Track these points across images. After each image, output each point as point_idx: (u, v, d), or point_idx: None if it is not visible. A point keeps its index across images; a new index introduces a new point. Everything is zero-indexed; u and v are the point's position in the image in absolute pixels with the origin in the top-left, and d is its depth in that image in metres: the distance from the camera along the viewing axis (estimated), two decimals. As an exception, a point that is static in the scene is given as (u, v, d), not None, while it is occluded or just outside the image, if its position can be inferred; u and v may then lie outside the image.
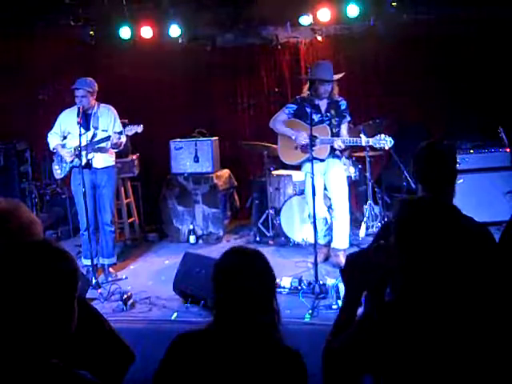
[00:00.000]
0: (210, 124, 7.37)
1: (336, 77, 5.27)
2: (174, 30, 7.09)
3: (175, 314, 4.27)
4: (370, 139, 5.06)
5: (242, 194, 7.36)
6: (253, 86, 7.82)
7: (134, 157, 6.75)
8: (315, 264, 4.62)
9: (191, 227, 6.58)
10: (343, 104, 5.39)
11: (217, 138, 6.94)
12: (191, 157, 6.69)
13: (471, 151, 6.32)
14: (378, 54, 7.13)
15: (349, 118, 5.45)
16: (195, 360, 1.88)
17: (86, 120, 5.25)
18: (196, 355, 1.89)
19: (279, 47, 7.62)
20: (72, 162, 5.28)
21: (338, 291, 4.34)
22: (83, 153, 5.10)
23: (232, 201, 7.20)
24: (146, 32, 7.15)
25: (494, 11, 6.56)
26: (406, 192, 6.23)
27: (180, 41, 7.28)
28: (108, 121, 5.33)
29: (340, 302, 4.25)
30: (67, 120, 5.33)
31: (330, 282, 4.55)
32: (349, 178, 5.90)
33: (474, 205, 5.42)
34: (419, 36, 7.03)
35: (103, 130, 5.26)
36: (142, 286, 5.00)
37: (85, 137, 5.15)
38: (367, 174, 6.25)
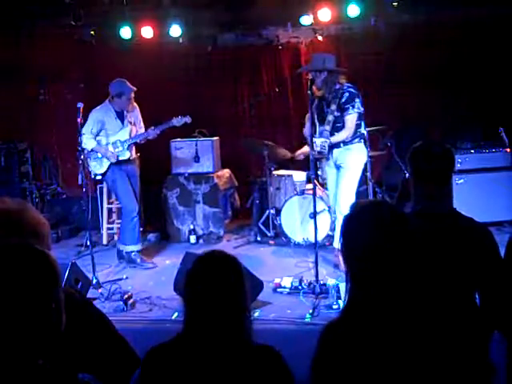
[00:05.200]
0: (210, 124, 7.37)
1: (311, 67, 5.18)
2: (175, 30, 7.09)
3: (176, 314, 4.26)
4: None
5: (242, 193, 7.36)
6: (253, 85, 7.82)
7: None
8: (316, 264, 4.61)
9: (192, 227, 6.58)
10: (345, 96, 5.05)
11: (217, 137, 6.94)
12: (192, 157, 6.69)
13: (471, 151, 6.32)
14: (379, 53, 7.13)
15: (351, 111, 5.03)
16: (170, 373, 1.83)
17: (120, 117, 5.67)
18: (170, 368, 1.84)
19: (280, 47, 7.62)
20: (118, 156, 5.63)
21: (338, 291, 4.33)
22: (125, 145, 5.64)
23: (232, 201, 7.20)
24: (147, 32, 7.15)
25: (494, 11, 6.56)
26: (406, 192, 6.22)
27: (181, 41, 7.28)
28: (135, 115, 5.80)
29: (340, 302, 4.26)
30: (103, 118, 5.62)
31: (330, 281, 4.55)
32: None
33: (475, 205, 5.41)
34: (419, 36, 7.03)
35: (131, 124, 5.71)
36: (142, 286, 4.99)
37: (125, 132, 5.63)
38: (368, 174, 6.25)
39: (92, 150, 5.63)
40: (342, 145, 5.16)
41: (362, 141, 5.24)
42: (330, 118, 5.09)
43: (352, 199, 5.18)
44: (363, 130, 5.24)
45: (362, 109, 5.15)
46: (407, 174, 6.19)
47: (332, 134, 5.08)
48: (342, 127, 5.09)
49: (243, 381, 1.82)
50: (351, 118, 5.08)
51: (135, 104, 5.81)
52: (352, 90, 5.09)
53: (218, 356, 1.82)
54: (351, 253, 1.76)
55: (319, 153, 5.11)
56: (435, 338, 1.67)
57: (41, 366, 1.47)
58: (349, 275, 1.76)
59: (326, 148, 5.03)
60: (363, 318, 1.67)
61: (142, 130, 5.79)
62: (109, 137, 5.64)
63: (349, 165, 5.20)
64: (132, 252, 5.66)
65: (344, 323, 1.72)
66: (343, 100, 5.06)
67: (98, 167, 5.68)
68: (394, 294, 1.67)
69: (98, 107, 5.71)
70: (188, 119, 5.57)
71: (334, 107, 5.08)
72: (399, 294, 1.68)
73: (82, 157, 5.44)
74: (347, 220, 1.80)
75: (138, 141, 5.69)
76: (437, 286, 2.10)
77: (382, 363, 1.62)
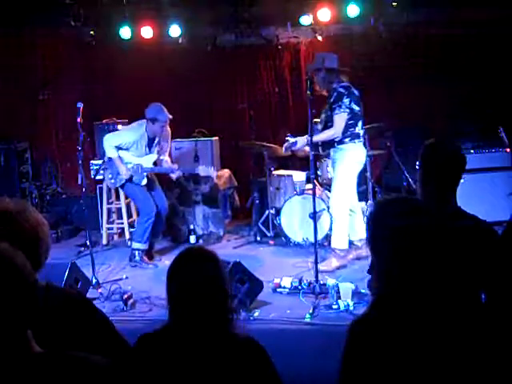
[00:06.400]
0: (210, 124, 7.37)
1: (311, 67, 5.41)
2: (175, 30, 7.10)
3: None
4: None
5: (242, 193, 7.36)
6: (253, 85, 7.83)
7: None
8: (315, 264, 4.61)
9: (191, 227, 6.58)
10: (333, 95, 5.12)
11: (217, 137, 6.94)
12: (191, 157, 6.69)
13: (471, 151, 6.31)
14: (378, 53, 7.14)
15: (338, 111, 5.06)
16: (157, 359, 1.90)
17: (150, 144, 5.68)
18: (155, 356, 1.91)
19: (279, 47, 7.63)
20: (129, 179, 5.66)
21: (338, 291, 4.33)
22: (144, 173, 5.67)
23: (232, 201, 7.20)
24: (147, 32, 7.16)
25: (493, 12, 6.57)
26: (406, 192, 6.22)
27: (180, 41, 7.29)
28: (164, 143, 5.82)
29: (340, 302, 4.26)
30: (134, 142, 5.62)
31: (330, 281, 4.55)
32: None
33: (474, 205, 5.37)
34: (419, 36, 7.04)
35: (158, 153, 5.75)
36: (142, 286, 4.99)
37: (149, 159, 5.66)
38: (367, 174, 6.25)
39: (110, 160, 5.69)
40: (336, 144, 5.21)
41: (357, 140, 5.21)
42: (323, 116, 5.23)
43: (343, 198, 5.23)
44: (359, 130, 5.21)
45: (357, 108, 5.16)
46: (406, 173, 6.21)
47: (311, 136, 5.07)
48: (332, 126, 5.15)
49: (225, 370, 1.86)
50: (338, 118, 5.10)
51: (169, 130, 5.79)
52: (342, 89, 5.11)
53: (200, 345, 1.88)
54: (377, 247, 1.76)
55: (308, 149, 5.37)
56: (455, 333, 1.67)
57: (36, 353, 1.46)
58: (375, 269, 1.77)
59: (288, 145, 5.45)
60: (391, 312, 1.68)
61: (167, 158, 5.86)
62: (130, 155, 5.69)
63: (339, 164, 5.25)
64: (136, 250, 5.69)
65: (372, 317, 1.73)
66: (331, 100, 5.14)
67: (112, 181, 5.78)
68: (420, 287, 1.68)
69: (134, 128, 5.66)
70: (214, 174, 5.71)
71: (326, 106, 5.19)
72: (424, 288, 1.69)
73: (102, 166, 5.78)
74: (373, 215, 1.80)
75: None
76: (444, 283, 2.10)
77: (410, 355, 1.62)
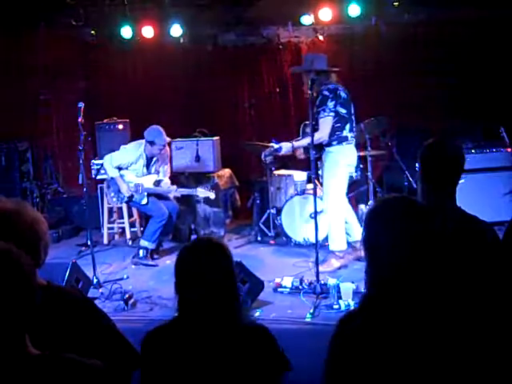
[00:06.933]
0: (210, 124, 7.37)
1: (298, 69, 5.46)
2: (176, 30, 7.11)
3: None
4: None
5: (243, 193, 7.36)
6: (254, 85, 7.83)
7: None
8: (316, 264, 4.61)
9: (192, 227, 6.57)
10: (319, 99, 5.06)
11: (218, 137, 6.94)
12: (192, 156, 6.70)
13: (472, 151, 6.31)
14: (379, 53, 7.13)
15: (322, 115, 5.01)
16: (168, 353, 1.92)
17: (148, 164, 5.89)
18: (167, 348, 1.93)
19: (280, 47, 7.63)
20: (130, 197, 5.81)
21: (339, 291, 4.34)
22: (145, 193, 5.79)
23: (233, 200, 7.20)
24: (148, 32, 7.16)
25: (494, 12, 6.56)
26: (407, 192, 6.22)
27: (181, 40, 7.30)
28: (163, 163, 5.99)
29: (341, 302, 4.26)
30: (132, 161, 5.81)
31: (331, 281, 4.54)
32: (350, 177, 5.84)
33: (475, 205, 5.37)
34: (420, 36, 7.03)
35: (157, 172, 5.94)
36: (143, 286, 5.00)
37: (149, 179, 5.83)
38: (368, 174, 6.24)
39: (113, 178, 5.84)
40: (324, 147, 5.20)
41: (345, 143, 5.17)
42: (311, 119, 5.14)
43: (335, 200, 5.21)
44: (346, 133, 5.16)
45: (343, 111, 5.11)
46: (407, 173, 6.20)
47: (312, 136, 5.05)
48: (318, 130, 5.10)
49: (235, 357, 1.88)
50: (323, 121, 5.06)
51: (168, 150, 6.01)
52: (326, 92, 5.06)
53: (211, 336, 1.89)
54: (372, 247, 1.76)
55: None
56: (447, 335, 1.66)
57: (33, 355, 1.46)
58: (369, 269, 1.76)
59: (272, 151, 5.49)
60: (379, 313, 1.67)
61: (167, 180, 5.97)
62: (131, 175, 5.85)
63: (326, 166, 5.27)
64: (143, 248, 5.75)
65: (359, 316, 1.72)
66: (317, 103, 5.08)
67: (114, 199, 5.96)
68: (414, 288, 1.67)
69: (133, 148, 5.83)
70: (212, 195, 5.70)
71: (314, 109, 5.08)
72: (419, 288, 1.67)
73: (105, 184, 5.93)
74: (370, 215, 1.80)
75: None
76: (441, 284, 2.10)
77: (395, 357, 1.61)
